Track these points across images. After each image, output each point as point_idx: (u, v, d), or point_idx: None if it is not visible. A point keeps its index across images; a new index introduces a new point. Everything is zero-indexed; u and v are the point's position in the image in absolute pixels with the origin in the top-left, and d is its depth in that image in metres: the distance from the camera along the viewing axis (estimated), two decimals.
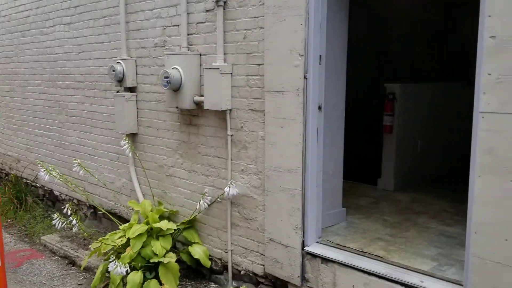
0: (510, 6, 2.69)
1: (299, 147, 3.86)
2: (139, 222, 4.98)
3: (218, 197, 4.64)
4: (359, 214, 4.83)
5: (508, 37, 2.71)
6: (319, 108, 3.91)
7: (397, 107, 5.57)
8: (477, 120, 2.89)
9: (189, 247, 4.75)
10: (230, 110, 4.43)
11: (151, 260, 4.46)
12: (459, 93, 6.66)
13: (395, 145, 5.68)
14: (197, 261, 4.72)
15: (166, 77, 4.55)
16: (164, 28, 5.03)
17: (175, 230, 4.76)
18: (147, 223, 4.74)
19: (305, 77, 3.78)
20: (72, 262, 5.50)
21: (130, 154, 5.19)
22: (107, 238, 4.77)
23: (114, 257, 4.22)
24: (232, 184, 4.40)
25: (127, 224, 4.86)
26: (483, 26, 2.82)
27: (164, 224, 4.68)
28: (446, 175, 6.39)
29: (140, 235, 4.53)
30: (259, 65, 4.15)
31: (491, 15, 2.76)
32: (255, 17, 4.13)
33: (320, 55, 3.84)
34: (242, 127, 4.36)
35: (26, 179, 7.92)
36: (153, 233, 4.68)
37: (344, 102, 4.41)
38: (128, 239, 4.55)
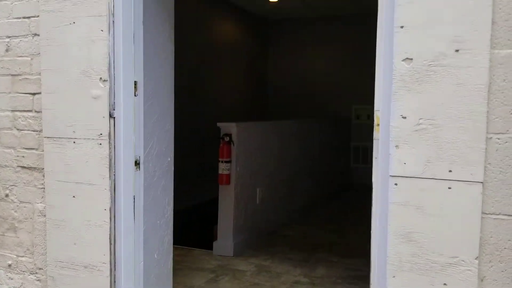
0: (432, 11, 1.73)
1: (104, 228, 2.35)
2: None
3: None
4: None
5: (432, 58, 1.74)
6: (136, 163, 2.48)
7: (235, 152, 4.45)
8: (385, 188, 1.85)
9: None
10: None
11: None
12: (308, 129, 6.08)
13: (234, 199, 4.53)
14: None
15: None
16: None
17: None
18: None
19: (111, 116, 2.33)
20: None
21: None
22: None
23: None
24: None
25: None
26: (391, 43, 1.82)
27: None
28: (288, 224, 5.53)
29: None
30: (33, 94, 2.55)
31: (405, 25, 1.77)
32: (24, 18, 2.54)
33: (135, 82, 2.44)
34: (7, 195, 2.66)
35: None
36: None
37: (172, 150, 3.07)
38: None
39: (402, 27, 1.76)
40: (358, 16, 8.00)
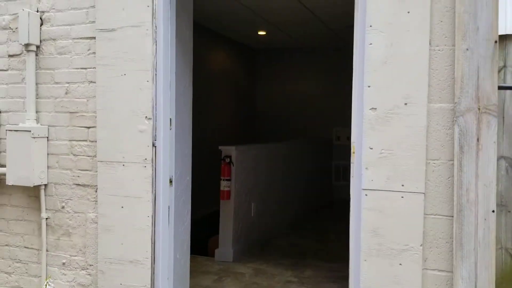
0: (390, 76, 2.53)
1: (147, 231, 3.07)
2: None
3: None
4: None
5: (390, 108, 2.53)
6: (170, 181, 3.21)
7: (234, 171, 5.20)
8: (358, 198, 2.62)
9: None
10: (46, 185, 3.37)
11: None
12: (295, 150, 6.89)
13: (233, 212, 5.25)
14: None
15: None
16: None
17: None
18: None
19: (153, 145, 3.07)
20: None
21: None
22: None
23: None
24: (49, 284, 3.29)
25: None
26: (361, 97, 2.61)
27: None
28: (279, 235, 6.27)
29: None
30: (88, 127, 3.27)
31: (371, 85, 2.57)
32: (82, 68, 3.28)
33: (170, 119, 3.19)
34: (63, 207, 3.35)
35: None
36: None
37: (191, 171, 3.80)
38: None
39: (369, 86, 2.56)
40: (337, 49, 8.90)
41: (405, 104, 2.48)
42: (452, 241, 2.42)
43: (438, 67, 2.43)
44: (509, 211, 3.60)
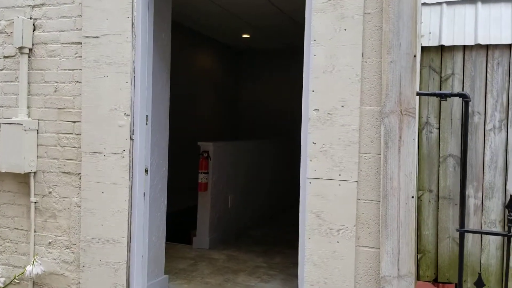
0: (330, 83, 2.98)
1: (124, 214, 3.50)
2: None
3: (15, 278, 3.84)
4: (181, 279, 4.60)
5: (329, 110, 2.98)
6: (146, 170, 3.64)
7: (211, 165, 5.64)
8: (304, 185, 3.07)
9: None
10: (35, 172, 3.79)
11: None
12: (271, 147, 7.32)
13: (210, 203, 5.69)
14: None
15: None
16: None
17: None
18: None
19: (131, 138, 3.50)
20: None
21: None
22: None
23: None
24: (37, 261, 3.70)
25: None
26: (307, 100, 3.05)
27: None
28: (253, 226, 6.71)
29: None
30: (74, 122, 3.69)
31: (315, 90, 3.02)
32: (69, 70, 3.70)
33: (147, 115, 3.62)
34: (50, 192, 3.76)
35: None
36: None
37: (167, 162, 4.23)
38: None
39: (313, 91, 3.01)
40: None
41: (342, 106, 2.93)
42: (379, 222, 2.88)
43: (368, 75, 2.89)
44: (456, 204, 4.06)
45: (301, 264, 3.11)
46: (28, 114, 3.80)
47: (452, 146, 4.01)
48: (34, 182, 3.79)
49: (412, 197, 2.82)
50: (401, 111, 2.80)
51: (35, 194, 3.79)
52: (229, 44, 9.99)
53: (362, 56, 2.90)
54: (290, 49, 10.03)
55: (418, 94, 2.89)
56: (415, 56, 2.81)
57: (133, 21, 3.46)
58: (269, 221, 7.33)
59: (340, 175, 2.95)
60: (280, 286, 4.59)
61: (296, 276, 4.93)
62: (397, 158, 2.81)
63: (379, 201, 2.88)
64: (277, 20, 7.44)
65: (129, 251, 3.51)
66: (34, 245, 3.81)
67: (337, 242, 2.96)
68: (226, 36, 9.18)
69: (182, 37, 7.91)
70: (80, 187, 3.65)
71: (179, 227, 6.73)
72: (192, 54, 8.56)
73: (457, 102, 4.14)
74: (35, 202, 3.79)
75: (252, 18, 7.48)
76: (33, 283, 3.80)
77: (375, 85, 2.88)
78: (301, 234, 3.11)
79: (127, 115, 3.47)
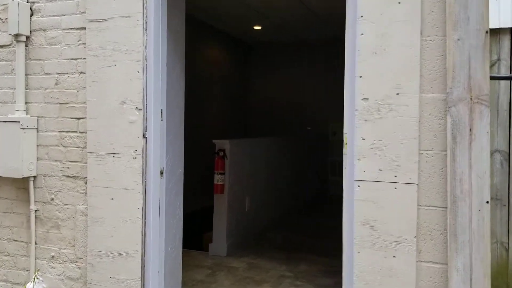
0: (381, 66, 2.50)
1: (137, 223, 3.03)
2: None
3: None
4: None
5: (381, 99, 2.50)
6: (161, 173, 3.18)
7: (228, 165, 5.17)
8: (351, 189, 2.59)
9: None
10: (35, 176, 3.33)
11: None
12: (290, 145, 6.88)
13: (227, 206, 5.22)
14: None
15: None
16: None
17: None
18: None
19: (144, 136, 3.03)
20: None
21: None
22: None
23: None
24: (38, 278, 3.25)
25: None
26: (353, 87, 2.57)
27: None
28: (273, 229, 6.25)
29: None
30: (78, 119, 3.22)
31: (363, 75, 2.53)
32: (72, 59, 3.23)
33: (161, 110, 3.15)
34: (52, 199, 3.31)
35: None
36: None
37: (183, 163, 3.76)
38: None
39: (360, 76, 2.53)
40: (332, 43, 8.86)
41: (397, 94, 2.45)
42: (446, 232, 2.40)
43: (429, 57, 2.40)
44: (504, 205, 3.59)
45: (347, 283, 2.62)
46: (26, 111, 3.34)
47: (498, 140, 3.56)
48: (34, 187, 3.34)
49: (487, 202, 2.34)
50: (471, 99, 2.32)
51: (35, 201, 3.34)
52: (240, 37, 9.51)
53: (421, 33, 2.41)
54: (302, 43, 9.54)
55: (491, 78, 2.41)
56: (487, 32, 2.32)
57: (145, 1, 2.99)
58: (289, 223, 6.86)
59: (396, 176, 2.47)
60: None
61: (326, 287, 4.48)
62: (467, 156, 2.32)
63: (446, 208, 2.39)
64: (293, 10, 6.96)
65: (144, 266, 3.05)
66: (35, 259, 3.36)
67: (394, 256, 2.48)
68: (237, 28, 8.70)
69: (190, 29, 7.43)
70: (86, 193, 3.19)
71: (190, 231, 6.27)
72: (200, 47, 8.08)
73: (504, 91, 3.66)
74: (35, 211, 3.34)
75: (266, 7, 7.00)
76: None
77: (437, 68, 2.40)
78: (346, 247, 2.63)
79: (139, 109, 3.01)
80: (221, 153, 5.17)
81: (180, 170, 3.74)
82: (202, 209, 5.37)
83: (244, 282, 4.47)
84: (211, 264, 4.99)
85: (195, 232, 5.99)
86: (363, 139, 2.53)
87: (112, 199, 3.08)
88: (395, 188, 2.47)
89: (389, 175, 2.48)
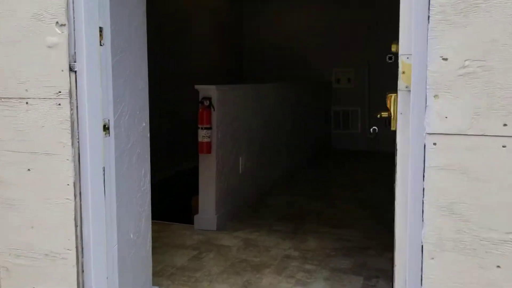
0: None
1: (68, 207, 1.94)
2: None
3: None
4: (181, 286, 3.12)
5: None
6: (105, 128, 2.05)
7: (215, 117, 4.04)
8: (419, 150, 1.50)
9: None
10: None
11: None
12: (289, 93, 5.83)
13: (215, 169, 4.14)
14: None
15: None
16: None
17: None
18: None
19: (72, 69, 1.88)
20: None
21: None
22: None
23: None
24: None
25: None
26: None
27: None
28: (272, 192, 5.23)
29: None
30: None
31: None
32: None
33: (101, 28, 1.99)
34: None
35: None
36: None
37: (148, 113, 2.65)
38: None
39: None
40: None
41: None
42: None
43: None
44: None
45: None
46: None
47: None
48: None
49: None
50: None
51: None
52: None
53: None
54: None
55: None
56: None
57: None
58: (292, 185, 5.82)
59: (506, 125, 1.37)
60: None
61: (344, 272, 3.44)
62: None
63: None
64: None
65: (82, 271, 1.98)
66: None
67: (498, 267, 1.41)
68: None
69: None
70: None
71: (176, 196, 5.23)
72: None
73: None
74: None
75: None
76: None
77: None
78: (407, 249, 1.56)
79: (61, 25, 1.84)
80: (206, 102, 4.03)
81: (144, 123, 2.63)
82: (195, 168, 4.26)
83: (239, 267, 3.45)
84: (196, 242, 3.96)
85: (183, 196, 4.93)
86: (445, 59, 1.41)
87: (29, 170, 1.97)
88: (504, 146, 1.38)
89: (493, 124, 1.38)
